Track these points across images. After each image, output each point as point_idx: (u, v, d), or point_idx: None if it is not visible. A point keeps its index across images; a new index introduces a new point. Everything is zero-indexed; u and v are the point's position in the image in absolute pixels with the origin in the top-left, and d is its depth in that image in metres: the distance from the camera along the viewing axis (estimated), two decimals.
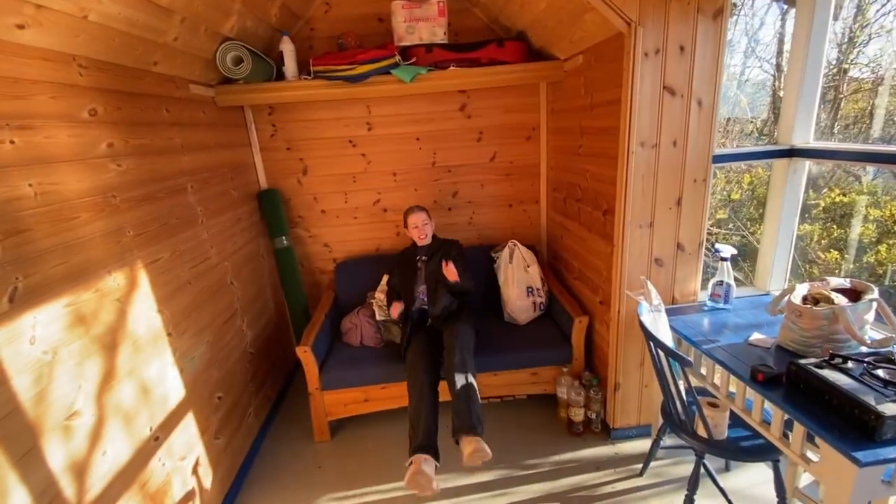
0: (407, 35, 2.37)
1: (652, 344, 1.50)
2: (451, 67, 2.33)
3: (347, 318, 2.47)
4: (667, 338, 1.59)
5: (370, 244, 2.96)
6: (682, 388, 1.50)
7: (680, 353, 1.36)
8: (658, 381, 1.58)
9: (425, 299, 2.37)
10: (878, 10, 4.85)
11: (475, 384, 1.95)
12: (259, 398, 2.43)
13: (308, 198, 2.85)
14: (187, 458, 1.73)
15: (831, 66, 4.98)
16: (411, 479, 1.68)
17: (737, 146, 5.00)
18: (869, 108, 4.95)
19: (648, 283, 1.64)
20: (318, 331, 2.33)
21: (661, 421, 1.74)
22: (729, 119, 5.28)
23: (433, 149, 2.81)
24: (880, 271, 4.40)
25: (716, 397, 1.59)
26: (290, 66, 2.31)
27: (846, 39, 5.09)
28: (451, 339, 2.12)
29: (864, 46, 5.05)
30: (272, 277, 2.81)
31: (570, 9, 1.84)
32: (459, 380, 1.93)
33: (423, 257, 2.46)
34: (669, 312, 1.86)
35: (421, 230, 2.42)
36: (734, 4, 4.22)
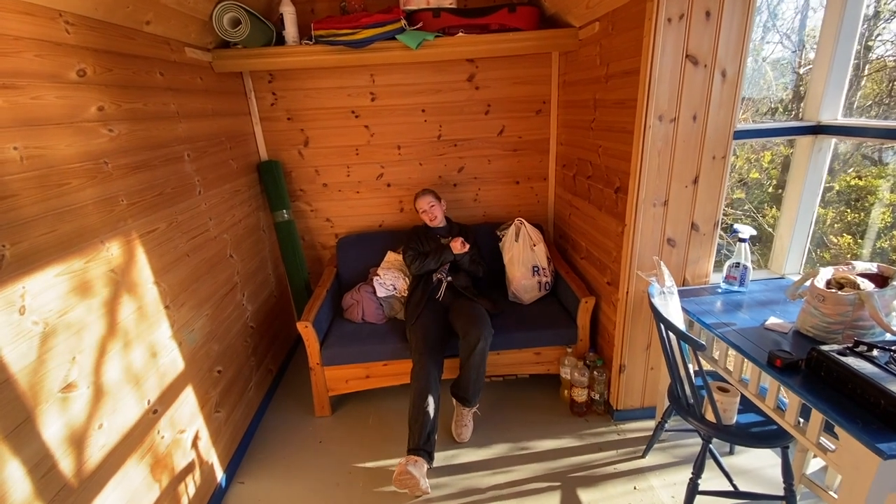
0: None
1: (663, 326, 1.45)
2: (460, 34, 2.21)
3: (349, 294, 2.43)
4: (678, 320, 1.54)
5: (373, 220, 2.89)
6: (691, 371, 1.45)
7: (693, 337, 1.31)
8: (667, 365, 1.54)
9: (446, 272, 2.39)
10: None
11: (486, 361, 2.09)
12: (260, 372, 2.41)
13: (310, 170, 2.77)
14: (187, 431, 1.72)
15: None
16: (397, 479, 1.74)
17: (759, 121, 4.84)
18: (891, 88, 4.76)
19: (662, 263, 1.57)
20: (320, 306, 2.29)
21: (667, 404, 1.70)
22: (747, 99, 5.10)
23: (439, 121, 2.71)
24: (894, 257, 4.31)
25: (727, 382, 1.55)
26: (290, 30, 2.20)
27: (872, 14, 4.86)
28: (472, 313, 2.16)
29: (889, 22, 4.83)
30: (273, 252, 2.76)
31: None
32: (475, 359, 2.03)
33: (441, 236, 2.47)
34: (682, 294, 1.80)
35: (429, 213, 2.40)
36: None
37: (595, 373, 2.14)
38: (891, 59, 5.04)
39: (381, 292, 2.40)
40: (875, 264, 1.43)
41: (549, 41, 2.29)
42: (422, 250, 2.40)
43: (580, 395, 2.17)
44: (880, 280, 1.40)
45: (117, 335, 1.40)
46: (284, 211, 2.65)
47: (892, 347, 1.19)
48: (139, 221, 1.55)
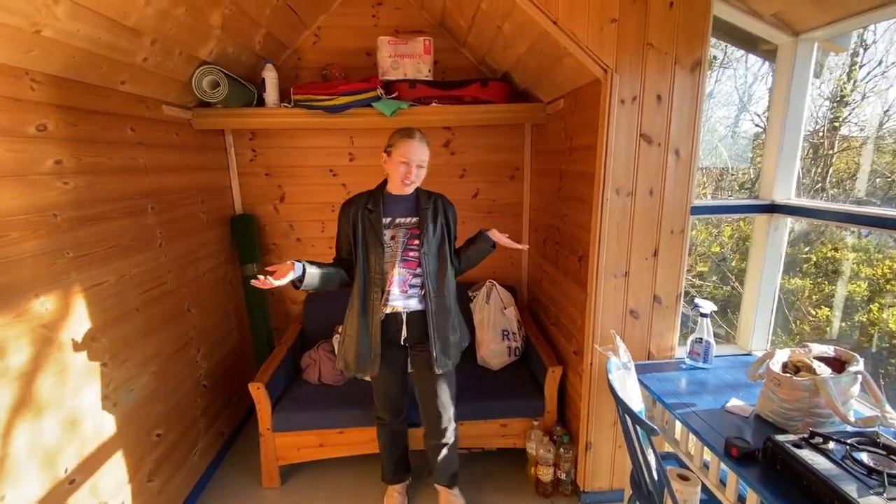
0: (392, 70, 2.36)
1: (620, 407, 1.38)
2: (434, 104, 2.31)
3: (308, 353, 2.34)
4: (636, 398, 1.47)
5: None
6: (650, 457, 1.37)
7: (645, 421, 1.24)
8: (627, 447, 1.45)
9: (406, 291, 1.66)
10: (869, 73, 4.95)
11: (457, 437, 1.92)
12: (209, 436, 2.26)
13: (283, 225, 2.77)
14: (110, 503, 1.57)
15: (821, 124, 5.05)
16: None
17: (729, 196, 5.00)
18: (855, 168, 4.98)
19: (618, 337, 1.54)
20: (278, 366, 2.20)
21: (630, 491, 1.59)
22: (724, 169, 5.30)
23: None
24: (872, 331, 4.29)
25: (688, 468, 1.46)
26: (270, 94, 2.29)
27: (838, 97, 5.18)
28: (433, 378, 1.73)
29: (854, 107, 5.14)
30: (238, 307, 2.69)
31: (549, 53, 1.83)
32: (447, 436, 1.85)
33: (400, 218, 1.66)
34: (645, 368, 1.75)
35: (412, 171, 1.61)
36: (714, 58, 4.29)
37: (561, 449, 2.03)
38: (855, 139, 5.32)
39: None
40: (832, 347, 1.40)
41: (519, 114, 2.40)
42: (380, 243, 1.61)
43: (546, 474, 2.03)
44: (838, 364, 1.36)
45: (37, 396, 1.31)
46: (255, 265, 2.62)
47: (849, 441, 1.13)
48: (85, 274, 1.51)
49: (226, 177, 2.63)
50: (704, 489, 1.43)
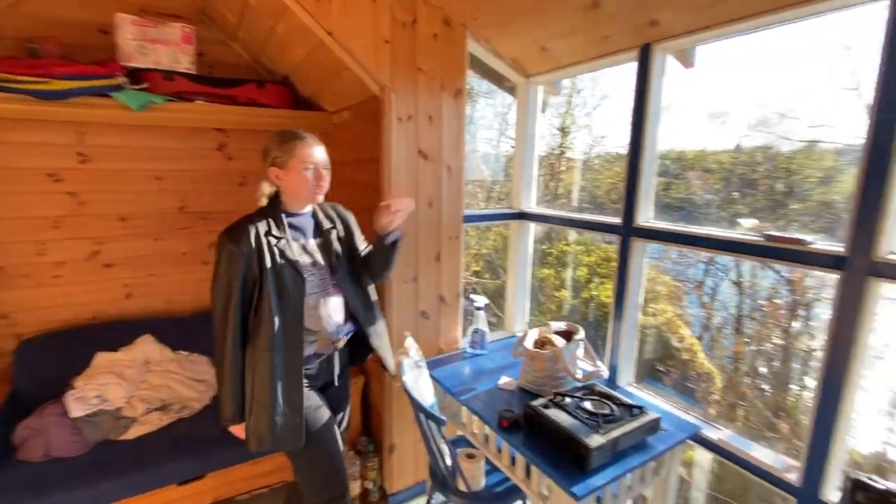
0: (138, 55, 1.95)
1: (413, 405, 1.47)
2: (199, 102, 2.02)
3: (25, 422, 1.73)
4: (428, 394, 1.59)
5: (81, 311, 2.21)
6: (443, 445, 1.50)
7: (435, 414, 1.35)
8: (423, 442, 1.55)
9: (341, 323, 1.44)
10: (578, 111, 6.58)
11: None
12: None
13: None
14: None
15: (554, 148, 6.50)
16: None
17: (496, 205, 5.95)
18: (577, 182, 6.61)
19: (409, 338, 1.64)
20: None
21: (429, 482, 1.71)
22: (493, 182, 6.26)
23: (182, 191, 2.36)
24: (591, 304, 5.79)
25: (474, 446, 1.66)
26: None
27: (561, 128, 6.73)
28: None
29: (573, 136, 6.75)
30: None
31: (328, 64, 1.82)
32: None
33: (314, 239, 1.42)
34: (436, 363, 1.90)
35: (322, 174, 1.37)
36: (473, 88, 5.10)
37: (366, 460, 2.03)
38: (574, 161, 6.99)
39: (77, 411, 1.78)
40: (565, 322, 1.80)
41: (305, 122, 2.31)
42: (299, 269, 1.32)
43: (353, 490, 2.01)
44: (568, 335, 1.76)
45: None
46: None
47: (577, 395, 1.47)
48: None
49: None
50: (488, 461, 1.64)
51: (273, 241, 1.30)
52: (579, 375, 1.62)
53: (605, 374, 1.67)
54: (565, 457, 1.29)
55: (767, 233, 1.30)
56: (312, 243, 1.41)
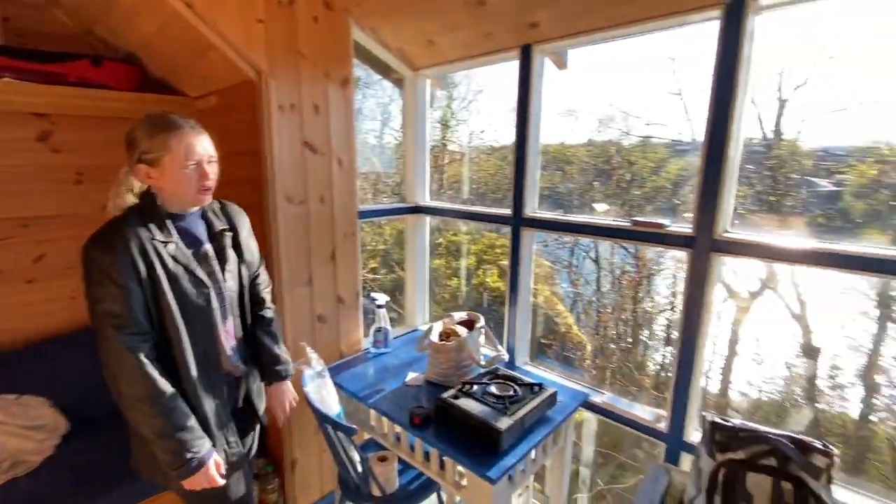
0: None
1: (318, 417, 1.37)
2: (6, 78, 1.59)
3: None
4: (333, 402, 1.51)
5: None
6: (353, 454, 1.43)
7: (343, 424, 1.29)
8: (331, 453, 1.47)
9: (235, 347, 1.24)
10: (458, 105, 6.80)
11: None
12: None
13: None
14: None
15: (437, 141, 6.63)
16: None
17: (385, 199, 5.87)
18: (466, 175, 6.87)
19: (308, 348, 1.53)
20: None
21: (339, 492, 1.63)
22: (378, 176, 6.16)
23: None
24: (481, 289, 6.11)
25: (386, 448, 1.62)
26: None
27: (444, 122, 6.90)
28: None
29: (455, 129, 6.97)
30: None
31: (188, 40, 1.57)
32: None
33: (204, 246, 1.18)
34: (339, 369, 1.81)
35: (207, 171, 1.12)
36: (359, 78, 4.95)
37: (266, 485, 1.86)
38: (457, 154, 7.23)
39: None
40: (466, 312, 1.85)
41: (158, 107, 1.96)
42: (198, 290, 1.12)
43: None
44: (470, 324, 1.81)
45: None
46: None
47: (483, 380, 1.52)
48: None
49: None
50: (401, 460, 1.62)
51: (160, 245, 1.07)
52: (483, 362, 1.68)
53: (506, 357, 1.76)
54: (478, 443, 1.32)
55: (634, 218, 1.49)
56: (209, 249, 1.19)
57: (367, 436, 1.78)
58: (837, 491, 1.19)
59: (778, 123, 4.82)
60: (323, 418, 1.34)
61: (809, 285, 4.67)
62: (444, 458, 1.38)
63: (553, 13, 1.47)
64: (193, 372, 1.10)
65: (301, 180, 1.71)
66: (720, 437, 1.04)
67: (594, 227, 1.61)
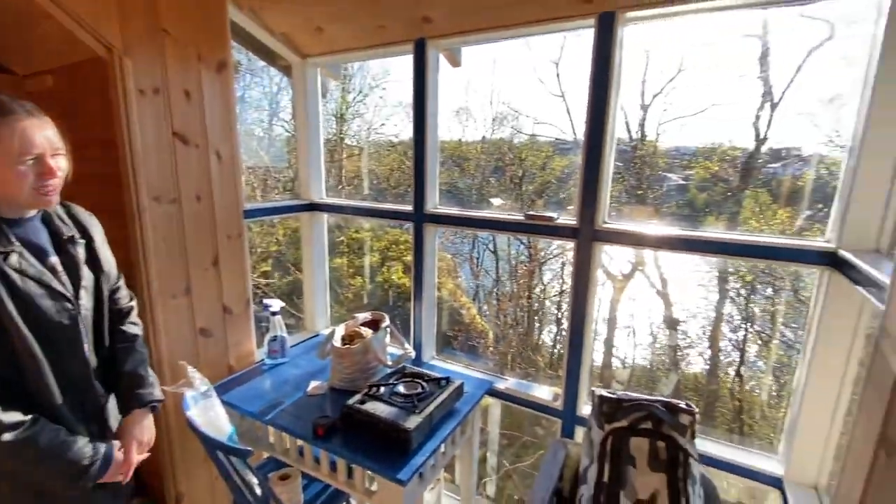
0: None
1: (206, 445, 1.22)
2: None
3: None
4: (224, 424, 1.35)
5: None
6: (250, 478, 1.30)
7: (236, 447, 1.16)
8: (223, 479, 1.32)
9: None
10: (353, 98, 6.59)
11: None
12: None
13: None
14: None
15: (333, 135, 6.36)
16: None
17: (277, 196, 5.47)
18: (359, 170, 6.68)
19: (189, 368, 1.35)
20: None
21: None
22: (267, 170, 5.71)
23: None
24: (386, 287, 6.03)
25: (288, 464, 1.50)
26: None
27: (340, 115, 6.63)
28: None
29: (350, 122, 6.75)
30: None
31: (14, 7, 1.27)
32: None
33: (55, 256, 0.97)
34: (228, 386, 1.64)
35: (51, 168, 0.90)
36: (240, 63, 4.50)
37: None
38: (355, 148, 7.03)
39: None
40: (370, 313, 1.79)
41: None
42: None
43: None
44: (375, 324, 1.76)
45: None
46: None
47: (389, 381, 1.49)
48: None
49: None
50: (305, 475, 1.52)
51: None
52: (390, 362, 1.64)
53: (413, 354, 1.74)
54: (387, 445, 1.29)
55: (527, 213, 1.57)
56: (56, 262, 0.97)
57: (266, 455, 1.64)
58: (698, 443, 1.39)
59: (642, 126, 5.51)
60: (212, 444, 1.19)
61: (669, 266, 5.45)
62: (353, 465, 1.33)
63: (444, 11, 1.48)
64: (57, 399, 0.92)
65: (171, 176, 1.49)
66: (607, 408, 1.14)
67: (492, 222, 1.66)
